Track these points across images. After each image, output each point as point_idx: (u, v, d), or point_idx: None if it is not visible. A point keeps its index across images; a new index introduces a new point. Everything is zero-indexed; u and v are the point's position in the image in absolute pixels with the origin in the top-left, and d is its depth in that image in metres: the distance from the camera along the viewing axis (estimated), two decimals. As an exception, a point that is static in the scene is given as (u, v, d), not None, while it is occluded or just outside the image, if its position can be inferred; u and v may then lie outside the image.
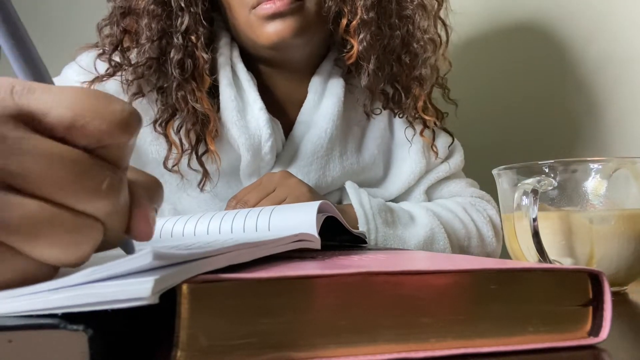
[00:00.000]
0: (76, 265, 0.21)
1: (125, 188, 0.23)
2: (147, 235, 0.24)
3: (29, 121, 0.21)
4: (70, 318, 0.18)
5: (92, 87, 0.67)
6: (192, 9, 0.67)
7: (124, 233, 0.24)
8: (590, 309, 0.26)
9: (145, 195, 0.24)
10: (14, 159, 0.20)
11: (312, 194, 0.68)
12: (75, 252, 0.21)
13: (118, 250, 0.26)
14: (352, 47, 0.70)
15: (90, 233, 0.21)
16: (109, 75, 0.68)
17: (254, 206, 0.64)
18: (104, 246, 0.24)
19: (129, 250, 0.26)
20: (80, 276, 0.19)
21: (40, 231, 0.20)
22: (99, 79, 0.68)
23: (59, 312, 0.19)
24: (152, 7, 0.66)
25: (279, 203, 0.64)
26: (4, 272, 0.20)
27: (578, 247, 0.43)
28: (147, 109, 0.70)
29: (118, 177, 0.22)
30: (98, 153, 0.22)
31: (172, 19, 0.67)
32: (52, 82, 0.24)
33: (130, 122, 0.22)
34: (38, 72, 0.24)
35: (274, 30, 0.67)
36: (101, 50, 0.69)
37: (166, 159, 0.69)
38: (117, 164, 0.22)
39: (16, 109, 0.20)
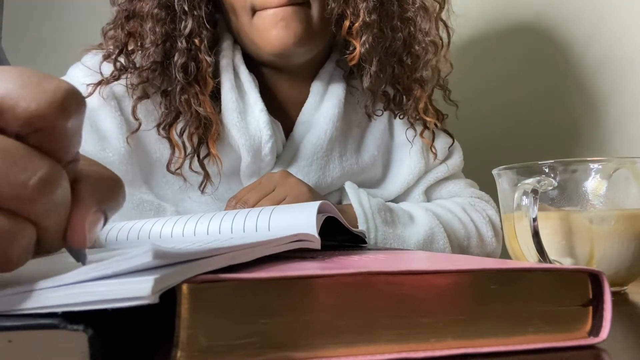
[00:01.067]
0: (6, 271, 0.19)
1: (65, 184, 0.20)
2: (79, 242, 0.21)
3: None
4: (70, 318, 0.18)
5: (97, 89, 0.68)
6: (195, 13, 0.68)
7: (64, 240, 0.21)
8: (590, 309, 0.26)
9: (90, 193, 0.21)
10: None
11: (312, 193, 0.68)
12: (3, 257, 0.18)
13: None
14: (355, 49, 0.70)
15: (17, 236, 0.19)
16: (114, 78, 0.68)
17: (253, 206, 0.64)
18: (42, 250, 0.21)
19: (77, 257, 0.22)
20: (78, 274, 0.19)
21: None
22: (104, 82, 0.68)
23: (58, 310, 0.19)
24: (156, 11, 0.67)
25: (279, 203, 0.64)
26: None
27: (578, 247, 0.43)
28: (152, 110, 0.71)
29: (55, 170, 0.19)
30: (33, 141, 0.19)
31: (176, 22, 0.68)
32: (5, 62, 0.22)
33: (67, 102, 0.19)
34: None
35: (277, 37, 0.67)
36: (106, 53, 0.69)
37: (169, 161, 0.69)
38: (56, 155, 0.20)
39: None
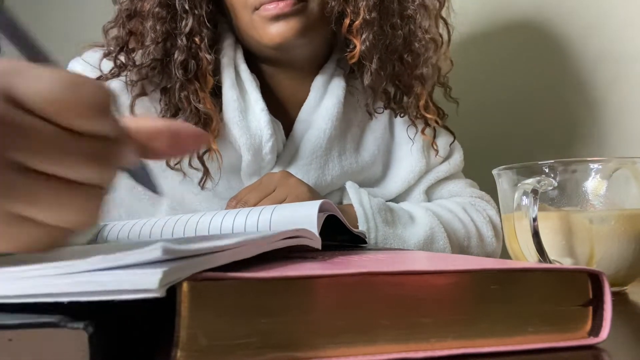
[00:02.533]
0: (87, 226, 0.24)
1: (122, 157, 0.25)
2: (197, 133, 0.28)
3: (17, 103, 0.22)
4: (71, 316, 0.18)
5: None
6: (196, 11, 0.68)
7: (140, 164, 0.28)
8: (590, 309, 0.26)
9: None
10: (21, 140, 0.22)
11: (312, 193, 0.68)
12: (89, 217, 0.24)
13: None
14: (355, 47, 0.70)
15: (96, 201, 0.24)
16: (114, 75, 0.69)
17: (254, 206, 0.65)
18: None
19: (145, 182, 0.29)
20: (88, 263, 0.19)
21: (53, 203, 0.22)
22: (104, 78, 0.69)
23: (64, 299, 0.19)
24: (157, 9, 0.67)
25: (279, 203, 0.65)
26: (29, 239, 0.23)
27: (578, 247, 0.43)
28: (149, 107, 0.71)
29: (111, 152, 0.24)
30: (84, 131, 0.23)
31: (177, 21, 0.68)
32: (48, 60, 0.26)
33: (105, 104, 0.23)
34: (32, 52, 0.26)
35: (277, 32, 0.67)
36: (107, 50, 0.70)
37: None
38: (107, 136, 0.24)
39: (7, 92, 0.22)
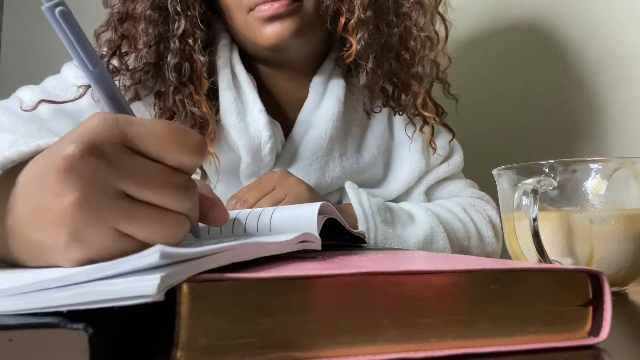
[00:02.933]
0: (173, 245, 0.28)
1: (197, 191, 0.31)
2: (224, 220, 0.35)
3: (130, 146, 0.28)
4: (71, 317, 0.18)
5: (88, 92, 0.68)
6: (189, 13, 0.68)
7: (199, 221, 0.33)
8: (590, 309, 0.26)
9: (214, 195, 0.35)
10: (133, 177, 0.27)
11: (312, 193, 0.68)
12: (176, 237, 0.29)
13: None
14: (351, 45, 0.70)
15: (183, 224, 0.30)
16: None
17: (253, 205, 0.64)
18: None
19: (197, 234, 0.35)
20: (85, 273, 0.19)
21: (155, 226, 0.28)
22: None
23: (64, 309, 0.19)
24: (149, 12, 0.67)
25: (279, 202, 0.64)
26: (121, 252, 0.27)
27: (578, 247, 0.43)
28: (142, 111, 0.71)
29: (193, 184, 0.30)
30: (180, 168, 0.29)
31: (169, 23, 0.67)
32: (132, 114, 0.32)
33: (203, 149, 0.30)
34: (122, 108, 0.33)
35: (272, 32, 0.67)
36: (100, 55, 0.69)
37: None
38: (190, 174, 0.30)
39: (122, 137, 0.28)
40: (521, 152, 1.02)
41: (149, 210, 0.28)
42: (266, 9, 0.66)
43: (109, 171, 0.27)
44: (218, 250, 0.23)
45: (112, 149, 0.27)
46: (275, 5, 0.66)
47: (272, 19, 0.66)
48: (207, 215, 0.34)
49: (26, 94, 0.69)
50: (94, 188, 0.26)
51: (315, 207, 0.42)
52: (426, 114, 0.76)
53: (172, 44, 0.67)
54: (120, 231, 0.27)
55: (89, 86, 0.68)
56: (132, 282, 0.18)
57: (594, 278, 0.26)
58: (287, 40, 0.68)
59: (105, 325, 0.19)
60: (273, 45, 0.68)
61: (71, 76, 0.70)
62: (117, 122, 0.28)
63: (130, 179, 0.27)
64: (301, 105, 0.76)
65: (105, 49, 0.69)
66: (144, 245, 0.27)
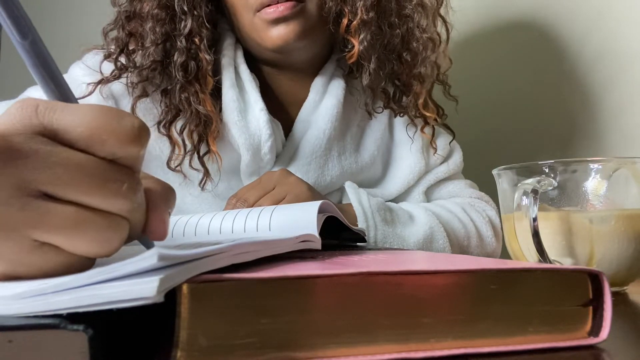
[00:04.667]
0: (110, 255, 0.25)
1: (142, 188, 0.26)
2: (162, 235, 0.28)
3: (54, 136, 0.24)
4: (71, 318, 0.18)
5: (97, 89, 0.69)
6: (195, 12, 0.68)
7: (142, 233, 0.27)
8: (590, 309, 0.26)
9: (163, 199, 0.28)
10: (48, 170, 0.23)
11: (312, 192, 0.68)
12: (109, 245, 0.24)
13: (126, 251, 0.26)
14: (353, 47, 0.71)
15: (118, 229, 0.25)
16: (115, 77, 0.69)
17: (253, 204, 0.65)
18: (129, 239, 0.27)
19: (148, 245, 0.29)
20: (85, 277, 0.19)
21: (78, 231, 0.23)
22: (104, 81, 0.69)
23: (64, 312, 0.19)
24: (156, 11, 0.67)
25: (279, 201, 0.65)
26: (50, 265, 0.24)
27: (578, 247, 0.43)
28: (150, 108, 0.71)
29: (135, 180, 0.25)
30: (116, 160, 0.25)
31: (176, 22, 0.68)
32: (75, 100, 0.28)
33: (141, 136, 0.25)
34: (61, 92, 0.28)
35: (278, 35, 0.68)
36: (107, 53, 0.70)
37: (169, 159, 0.70)
38: (132, 168, 0.26)
39: (41, 126, 0.24)
40: (521, 152, 1.02)
41: (69, 212, 0.23)
42: (272, 12, 0.67)
43: (22, 168, 0.23)
44: (217, 251, 0.23)
45: (27, 141, 0.23)
46: (281, 7, 0.66)
47: (278, 21, 0.67)
48: (146, 223, 0.27)
49: (35, 94, 0.70)
50: (2, 188, 0.22)
51: (315, 205, 0.42)
52: (427, 114, 0.77)
53: (178, 43, 0.68)
54: (37, 240, 0.23)
55: (98, 83, 0.68)
56: (132, 285, 0.18)
57: (594, 278, 0.26)
58: (292, 43, 0.69)
59: (105, 326, 0.19)
60: (279, 47, 0.69)
61: (80, 74, 0.71)
62: (36, 110, 0.24)
63: (48, 175, 0.23)
64: (302, 105, 0.76)
65: (113, 47, 0.70)
66: (71, 258, 0.24)
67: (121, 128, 0.24)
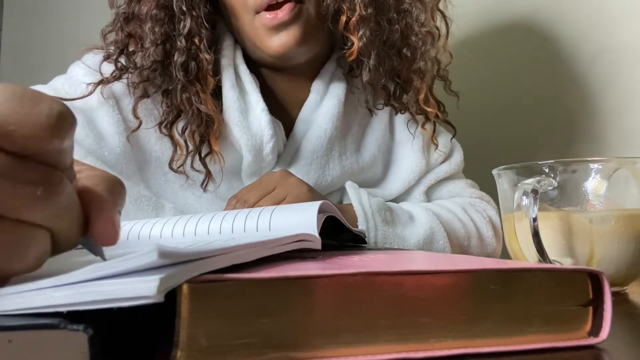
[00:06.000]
0: (27, 272, 0.21)
1: (69, 188, 0.21)
2: (112, 239, 0.23)
3: None
4: (71, 318, 0.18)
5: (98, 89, 0.68)
6: (194, 13, 0.68)
7: (84, 236, 0.23)
8: (590, 309, 0.26)
9: (108, 196, 0.23)
10: None
11: (312, 193, 0.68)
12: (19, 262, 0.20)
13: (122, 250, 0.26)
14: (353, 44, 0.70)
15: (32, 242, 0.20)
16: (115, 77, 0.69)
17: (253, 205, 0.65)
18: (59, 250, 0.22)
19: (95, 252, 0.24)
20: (84, 273, 0.19)
21: None
22: (105, 81, 0.69)
23: (63, 309, 0.19)
24: (154, 11, 0.67)
25: (279, 202, 0.65)
26: None
27: (578, 247, 0.43)
28: (151, 109, 0.71)
29: (56, 180, 0.21)
30: (33, 156, 0.20)
31: (175, 22, 0.68)
32: None
33: (60, 125, 0.20)
34: None
35: (279, 43, 0.68)
36: (107, 54, 0.70)
37: (171, 160, 0.70)
38: (55, 166, 0.21)
39: None
40: (521, 152, 1.02)
41: None
42: (271, 18, 0.67)
43: None
44: (218, 252, 0.23)
45: None
46: (280, 14, 0.66)
47: (278, 28, 0.67)
48: (89, 226, 0.23)
49: None
50: None
51: (315, 206, 0.42)
52: (428, 109, 0.77)
53: (178, 43, 0.68)
54: None
55: (98, 83, 0.68)
56: (131, 283, 0.18)
57: (594, 278, 0.26)
58: (293, 49, 0.69)
59: (105, 326, 0.19)
60: (281, 55, 0.69)
61: (80, 74, 0.71)
62: None
63: None
64: (303, 105, 0.76)
65: (112, 48, 0.70)
66: None
67: (34, 116, 0.19)
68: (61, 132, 0.20)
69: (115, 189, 0.24)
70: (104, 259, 0.24)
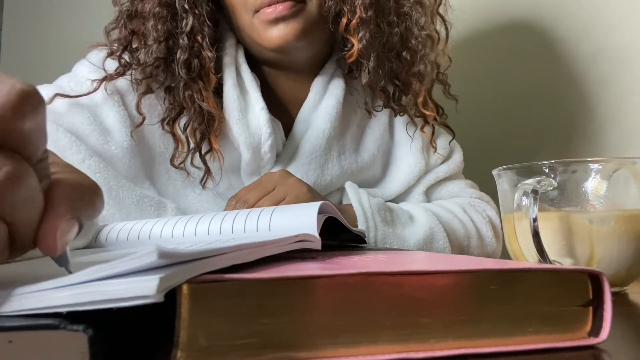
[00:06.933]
0: None
1: (33, 183, 0.20)
2: (50, 248, 0.21)
3: None
4: (71, 318, 0.18)
5: (102, 85, 0.69)
6: (196, 11, 0.69)
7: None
8: (590, 309, 0.26)
9: (65, 200, 0.21)
10: None
11: (312, 193, 0.68)
12: None
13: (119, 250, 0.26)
14: (353, 45, 0.71)
15: None
16: (119, 74, 0.69)
17: (253, 205, 0.65)
18: (15, 249, 0.21)
19: (59, 262, 0.22)
20: (84, 274, 0.19)
21: None
22: (109, 77, 0.69)
23: (63, 310, 0.19)
24: (157, 9, 0.68)
25: (279, 202, 0.65)
26: None
27: (578, 248, 0.43)
28: (155, 105, 0.72)
29: (19, 169, 0.19)
30: None
31: (177, 20, 0.69)
32: None
33: (21, 104, 0.19)
34: None
35: (277, 35, 0.68)
36: (110, 51, 0.70)
37: (173, 156, 0.70)
38: (22, 153, 0.19)
39: None
40: (521, 152, 1.02)
41: None
42: (270, 12, 0.67)
43: None
44: (218, 251, 0.23)
45: None
46: (279, 7, 0.67)
47: (277, 21, 0.68)
48: (37, 234, 0.21)
49: (42, 92, 0.70)
50: None
51: (315, 206, 0.42)
52: (427, 112, 0.77)
53: (181, 41, 0.68)
54: None
55: (102, 79, 0.69)
56: (131, 283, 0.18)
57: (594, 278, 0.26)
58: (291, 42, 0.69)
59: (105, 326, 0.19)
60: (277, 47, 0.69)
61: (85, 72, 0.72)
62: None
63: None
64: (302, 105, 0.77)
65: (115, 46, 0.70)
66: None
67: None
68: (23, 112, 0.19)
69: (84, 196, 0.22)
70: (68, 270, 0.22)
